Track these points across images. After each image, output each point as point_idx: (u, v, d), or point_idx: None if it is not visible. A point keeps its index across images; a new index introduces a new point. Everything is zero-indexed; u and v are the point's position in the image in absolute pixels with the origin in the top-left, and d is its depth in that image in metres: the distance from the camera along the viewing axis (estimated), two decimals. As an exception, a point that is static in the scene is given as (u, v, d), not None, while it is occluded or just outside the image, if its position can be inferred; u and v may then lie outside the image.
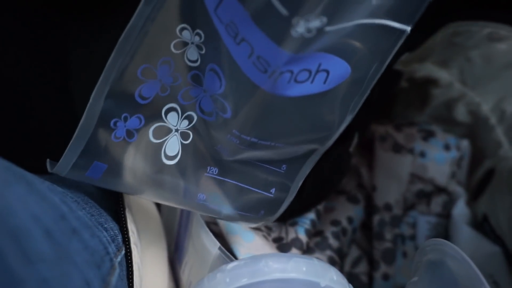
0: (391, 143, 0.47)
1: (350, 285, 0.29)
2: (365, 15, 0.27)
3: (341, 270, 0.45)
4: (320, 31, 0.26)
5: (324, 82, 0.30)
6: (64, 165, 0.29)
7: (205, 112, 0.31)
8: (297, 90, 0.29)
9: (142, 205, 0.39)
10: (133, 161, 0.31)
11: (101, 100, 0.28)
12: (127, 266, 0.34)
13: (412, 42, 0.44)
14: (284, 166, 0.35)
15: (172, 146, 0.32)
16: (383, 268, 0.45)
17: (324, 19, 0.25)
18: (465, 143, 0.48)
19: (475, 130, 0.49)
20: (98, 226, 0.32)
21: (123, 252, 0.34)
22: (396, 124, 0.49)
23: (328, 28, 0.26)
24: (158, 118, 0.31)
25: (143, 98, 0.29)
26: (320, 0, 0.25)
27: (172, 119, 0.31)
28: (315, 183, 0.42)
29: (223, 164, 0.34)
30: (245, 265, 0.27)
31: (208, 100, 0.31)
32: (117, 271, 0.32)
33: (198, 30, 0.28)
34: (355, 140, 0.41)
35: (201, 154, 0.33)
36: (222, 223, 0.40)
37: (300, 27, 0.25)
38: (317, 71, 0.29)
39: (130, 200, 0.37)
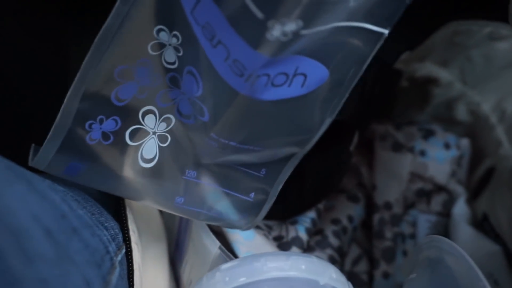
0: (391, 142, 0.47)
1: (349, 283, 0.29)
2: (342, 18, 0.26)
3: (342, 269, 0.45)
4: (296, 34, 0.25)
5: (302, 86, 0.29)
6: (42, 160, 0.29)
7: (184, 115, 0.31)
8: (274, 94, 0.29)
9: (143, 205, 0.39)
10: (109, 163, 0.30)
11: (76, 101, 0.28)
12: (128, 265, 0.34)
13: (412, 41, 0.44)
14: (263, 170, 0.35)
15: (149, 149, 0.31)
16: (383, 266, 0.45)
17: (300, 23, 0.25)
18: (465, 142, 0.48)
19: (475, 129, 0.49)
20: (99, 225, 0.32)
21: (124, 251, 0.34)
22: (396, 123, 0.49)
23: (304, 32, 0.26)
24: (135, 120, 0.30)
25: (119, 100, 0.29)
26: (296, 3, 0.24)
27: (149, 122, 0.30)
28: (315, 182, 0.42)
29: (202, 167, 0.33)
30: (244, 264, 0.27)
31: (186, 103, 0.30)
32: (117, 270, 0.32)
33: (175, 32, 0.28)
34: (355, 139, 0.41)
35: (179, 157, 0.32)
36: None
37: (276, 31, 0.25)
38: (295, 75, 0.29)
39: (131, 200, 0.37)
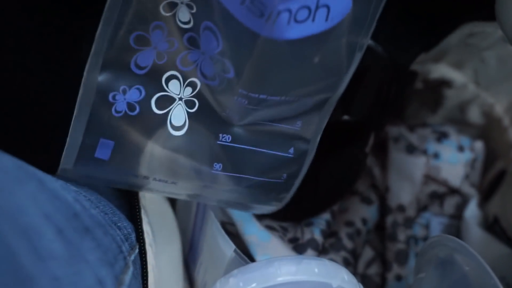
0: (404, 144, 0.47)
1: (360, 284, 0.29)
2: None
3: (355, 271, 0.45)
4: None
5: (326, 19, 0.28)
6: (73, 144, 0.28)
7: (207, 76, 0.30)
8: (298, 32, 0.27)
9: (157, 206, 0.39)
10: (139, 136, 0.30)
11: (96, 74, 0.27)
12: (142, 266, 0.34)
13: (428, 43, 0.44)
14: (299, 122, 0.33)
15: (178, 116, 0.30)
16: (396, 269, 0.45)
17: None
18: (479, 145, 0.48)
19: (488, 131, 0.49)
20: (112, 225, 0.32)
21: (137, 250, 0.34)
22: (410, 125, 0.49)
23: None
24: (159, 87, 0.29)
25: (139, 67, 0.28)
26: None
27: (174, 88, 0.30)
28: (330, 183, 0.42)
29: (235, 130, 0.32)
30: (257, 269, 0.27)
31: (208, 63, 0.29)
32: (130, 269, 0.32)
33: None
34: (371, 141, 0.41)
35: (210, 121, 0.31)
36: (238, 223, 0.40)
37: None
38: (317, 7, 0.27)
39: (146, 201, 0.37)
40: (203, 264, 0.39)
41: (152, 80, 0.29)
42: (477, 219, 0.48)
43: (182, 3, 0.27)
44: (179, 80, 0.30)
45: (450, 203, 0.47)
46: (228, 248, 0.35)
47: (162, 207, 0.40)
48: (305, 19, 0.27)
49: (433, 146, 0.47)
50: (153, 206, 0.38)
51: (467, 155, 0.47)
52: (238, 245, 0.35)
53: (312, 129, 0.34)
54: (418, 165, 0.46)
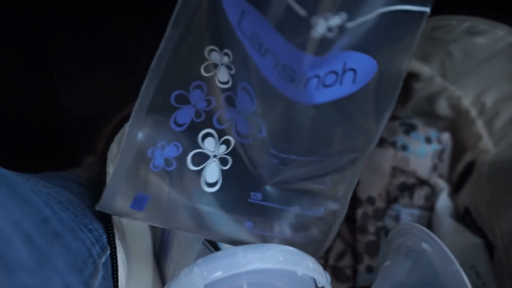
0: (373, 137, 0.48)
1: (326, 272, 0.30)
2: (383, 4, 0.26)
3: (326, 263, 0.46)
4: (341, 28, 0.25)
5: (353, 82, 0.29)
6: (112, 192, 0.30)
7: (242, 134, 0.31)
8: (327, 95, 0.29)
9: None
10: (174, 191, 0.31)
11: (138, 129, 0.29)
12: (112, 265, 0.34)
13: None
14: (328, 181, 0.34)
15: (212, 173, 0.31)
16: (366, 260, 0.45)
17: (344, 15, 0.25)
18: (446, 136, 0.48)
19: (456, 124, 0.50)
20: (82, 228, 0.32)
21: (108, 252, 0.34)
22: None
23: (349, 24, 0.25)
24: (195, 144, 0.30)
25: (178, 125, 0.29)
26: None
27: (209, 145, 0.31)
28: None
29: (265, 188, 0.33)
30: (222, 257, 0.28)
31: (243, 122, 0.30)
32: (100, 273, 0.32)
33: (226, 50, 0.28)
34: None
35: (242, 179, 0.32)
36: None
37: (321, 27, 0.25)
38: (344, 71, 0.28)
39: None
40: (173, 259, 0.40)
41: (189, 137, 0.30)
42: (448, 210, 0.48)
43: (222, 64, 0.29)
44: (214, 137, 0.31)
45: (420, 195, 0.47)
46: (197, 240, 0.35)
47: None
48: (333, 83, 0.28)
49: (401, 139, 0.47)
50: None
51: (434, 147, 0.47)
52: (207, 239, 0.36)
53: (342, 188, 0.34)
54: (387, 157, 0.47)
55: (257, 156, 0.31)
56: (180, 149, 0.30)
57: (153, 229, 0.42)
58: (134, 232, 0.39)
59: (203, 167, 0.31)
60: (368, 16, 0.26)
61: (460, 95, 0.47)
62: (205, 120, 0.30)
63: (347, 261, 0.46)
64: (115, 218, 0.36)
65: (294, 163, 0.32)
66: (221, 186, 0.32)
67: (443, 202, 0.48)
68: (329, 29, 0.25)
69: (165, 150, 0.30)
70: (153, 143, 0.29)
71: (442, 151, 0.48)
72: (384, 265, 0.32)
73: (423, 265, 0.31)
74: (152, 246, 0.41)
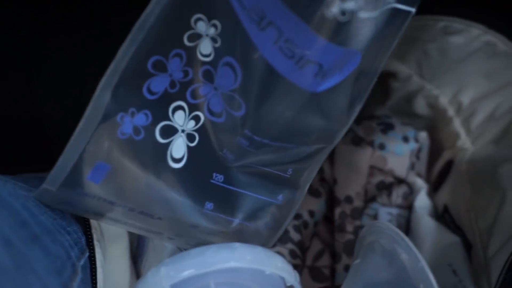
0: (351, 136, 0.48)
1: (296, 272, 0.30)
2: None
3: (303, 263, 0.45)
4: (353, 16, 0.25)
5: (339, 73, 0.29)
6: (60, 171, 0.27)
7: (214, 113, 0.30)
8: (320, 85, 0.28)
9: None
10: (137, 162, 0.28)
11: (109, 92, 0.26)
12: (91, 266, 0.34)
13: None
14: (290, 170, 0.33)
15: (178, 148, 0.29)
16: (345, 260, 0.45)
17: (361, 2, 0.24)
18: (423, 135, 0.49)
19: (434, 123, 0.50)
20: (61, 230, 0.32)
21: (87, 254, 0.34)
22: (357, 117, 0.49)
23: (362, 14, 0.25)
24: (165, 116, 0.29)
25: (151, 93, 0.27)
26: None
27: (179, 119, 0.29)
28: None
29: (228, 170, 0.32)
30: (189, 257, 0.27)
31: (218, 99, 0.29)
32: (79, 276, 0.32)
33: (214, 21, 0.27)
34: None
35: (206, 159, 0.31)
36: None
37: (335, 7, 0.24)
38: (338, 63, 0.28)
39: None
40: (148, 260, 0.40)
41: (160, 107, 0.28)
42: (427, 209, 0.48)
43: (207, 35, 0.27)
44: (185, 111, 0.29)
45: (398, 193, 0.48)
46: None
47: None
48: (331, 75, 0.28)
49: (379, 138, 0.48)
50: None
51: (411, 146, 0.47)
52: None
53: (303, 177, 0.34)
54: (364, 156, 0.47)
55: (227, 136, 0.30)
56: (150, 119, 0.28)
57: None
58: (112, 234, 0.39)
59: (171, 141, 0.29)
60: (377, 12, 0.26)
61: (437, 94, 0.48)
62: (178, 91, 0.28)
63: (325, 260, 0.46)
64: (93, 220, 0.36)
65: (264, 148, 0.31)
66: (185, 163, 0.30)
67: (422, 201, 0.48)
68: (342, 12, 0.24)
69: (135, 117, 0.27)
70: (123, 108, 0.27)
71: (419, 150, 0.48)
72: (355, 263, 0.32)
73: (396, 264, 0.31)
74: (129, 248, 0.41)
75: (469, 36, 0.43)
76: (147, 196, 0.30)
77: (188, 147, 0.30)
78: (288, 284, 0.29)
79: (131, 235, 0.41)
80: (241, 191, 0.32)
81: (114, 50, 0.27)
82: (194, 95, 0.29)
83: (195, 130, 0.30)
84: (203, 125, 0.30)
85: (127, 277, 0.40)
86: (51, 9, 0.46)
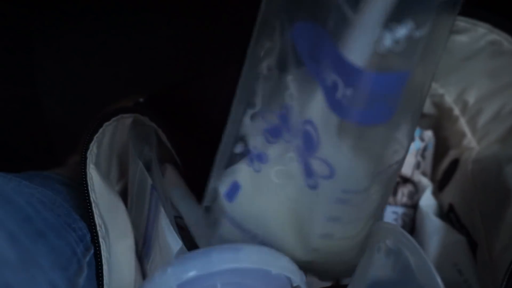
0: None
1: (301, 272, 0.30)
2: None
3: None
4: (410, 38, 0.22)
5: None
6: (216, 178, 0.32)
7: (311, 174, 0.30)
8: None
9: (107, 200, 0.39)
10: (259, 193, 0.32)
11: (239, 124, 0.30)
12: (97, 265, 0.34)
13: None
14: None
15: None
16: (350, 259, 0.45)
17: (411, 22, 0.21)
18: (428, 134, 0.48)
19: (440, 122, 0.50)
20: (66, 227, 0.32)
21: (92, 251, 0.34)
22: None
23: (418, 33, 0.22)
24: (281, 162, 0.31)
25: (269, 140, 0.30)
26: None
27: (291, 166, 0.30)
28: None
29: None
30: (195, 257, 0.28)
31: (309, 162, 0.29)
32: (85, 272, 0.32)
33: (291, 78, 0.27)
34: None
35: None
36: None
37: (387, 40, 0.21)
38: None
39: (96, 195, 0.37)
40: (154, 260, 0.40)
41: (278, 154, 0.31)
42: (432, 208, 0.48)
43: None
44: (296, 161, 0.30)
45: (403, 192, 0.47)
46: (175, 243, 0.35)
47: (112, 201, 0.40)
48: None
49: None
50: (103, 200, 0.38)
51: (417, 144, 0.47)
52: (186, 238, 0.36)
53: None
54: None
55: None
56: (267, 161, 0.31)
57: (135, 228, 0.42)
58: (117, 232, 0.39)
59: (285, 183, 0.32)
60: (428, 23, 0.22)
61: (443, 93, 0.47)
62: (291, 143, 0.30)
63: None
64: (97, 216, 0.36)
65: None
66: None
67: (427, 200, 0.48)
68: (396, 42, 0.22)
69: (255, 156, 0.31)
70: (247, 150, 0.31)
71: (424, 149, 0.48)
72: (361, 263, 0.33)
73: (402, 265, 0.31)
74: (135, 246, 0.41)
75: (474, 35, 0.43)
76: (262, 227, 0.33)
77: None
78: (295, 284, 0.30)
79: (136, 233, 0.42)
80: None
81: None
82: (298, 150, 0.30)
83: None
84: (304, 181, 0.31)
85: (132, 275, 0.40)
86: (52, 8, 0.46)
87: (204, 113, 0.43)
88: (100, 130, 0.38)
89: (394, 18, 0.21)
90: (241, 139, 0.30)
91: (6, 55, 0.44)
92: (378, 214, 0.35)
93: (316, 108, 0.27)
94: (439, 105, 0.48)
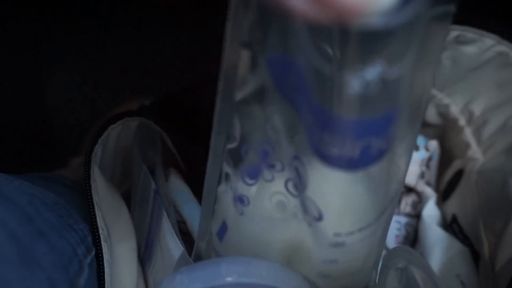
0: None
1: None
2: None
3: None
4: (384, 80, 0.18)
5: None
6: (205, 220, 0.31)
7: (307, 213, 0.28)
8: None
9: (110, 203, 0.39)
10: (244, 236, 0.31)
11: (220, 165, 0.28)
12: (98, 266, 0.34)
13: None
14: None
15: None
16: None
17: (381, 62, 0.18)
18: (433, 144, 0.48)
19: (445, 131, 0.50)
20: (67, 227, 0.32)
21: (94, 253, 0.34)
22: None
23: (395, 71, 0.19)
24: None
25: (249, 180, 0.28)
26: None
27: (279, 207, 0.29)
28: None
29: None
30: (205, 268, 0.27)
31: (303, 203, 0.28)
32: (86, 272, 0.32)
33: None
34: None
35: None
36: (188, 222, 0.40)
37: (355, 82, 0.18)
38: None
39: (99, 198, 0.37)
40: (156, 264, 0.40)
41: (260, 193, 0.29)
42: (436, 218, 0.48)
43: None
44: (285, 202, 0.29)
45: (407, 202, 0.47)
46: (177, 249, 0.35)
47: (115, 204, 0.40)
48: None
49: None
50: (106, 202, 0.38)
51: (421, 154, 0.47)
52: (189, 243, 0.36)
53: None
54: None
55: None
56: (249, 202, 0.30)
57: (138, 231, 0.42)
58: (119, 234, 0.39)
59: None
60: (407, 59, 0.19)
61: (449, 103, 0.47)
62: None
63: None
64: (99, 218, 0.36)
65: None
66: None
67: (430, 210, 0.48)
68: (367, 84, 0.18)
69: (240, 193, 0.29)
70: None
71: (429, 159, 0.48)
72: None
73: (409, 279, 0.30)
74: (136, 249, 0.41)
75: (482, 46, 0.43)
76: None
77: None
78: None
79: (138, 237, 0.42)
80: None
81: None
82: (290, 188, 0.28)
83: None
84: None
85: (134, 277, 0.40)
86: (59, 10, 0.46)
87: (209, 118, 0.42)
88: (105, 133, 0.38)
89: (358, 59, 0.17)
90: (226, 177, 0.28)
91: (13, 56, 0.44)
92: (382, 245, 0.33)
93: (302, 144, 0.24)
94: (444, 115, 0.48)
